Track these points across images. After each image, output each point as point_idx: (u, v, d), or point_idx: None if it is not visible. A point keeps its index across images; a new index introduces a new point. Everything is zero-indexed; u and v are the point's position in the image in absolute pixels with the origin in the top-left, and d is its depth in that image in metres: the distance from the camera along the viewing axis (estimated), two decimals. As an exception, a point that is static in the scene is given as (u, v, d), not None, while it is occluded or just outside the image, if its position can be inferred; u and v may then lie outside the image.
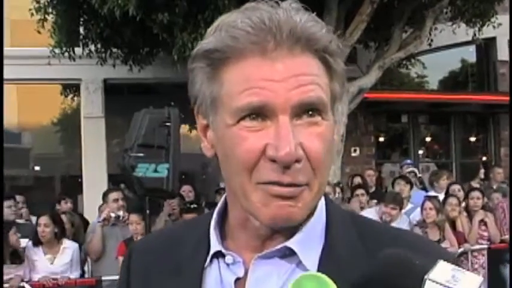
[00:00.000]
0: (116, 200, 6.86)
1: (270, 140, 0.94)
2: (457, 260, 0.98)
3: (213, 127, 1.04)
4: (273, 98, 0.94)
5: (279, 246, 1.01)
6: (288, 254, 1.02)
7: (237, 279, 1.03)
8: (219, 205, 1.13)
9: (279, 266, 1.02)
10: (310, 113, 0.96)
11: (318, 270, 0.98)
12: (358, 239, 1.06)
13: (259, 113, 0.95)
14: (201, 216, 1.20)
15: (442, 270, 0.87)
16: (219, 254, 1.06)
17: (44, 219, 6.34)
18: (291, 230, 1.01)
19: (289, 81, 0.95)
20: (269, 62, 0.95)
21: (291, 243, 1.01)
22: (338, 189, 8.50)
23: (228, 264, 1.05)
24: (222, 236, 1.09)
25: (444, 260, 0.89)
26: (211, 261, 1.07)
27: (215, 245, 1.06)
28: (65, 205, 8.43)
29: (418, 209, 7.26)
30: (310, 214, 1.03)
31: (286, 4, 0.98)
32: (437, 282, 0.85)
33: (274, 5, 0.98)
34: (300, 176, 0.95)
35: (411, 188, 8.03)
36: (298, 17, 0.97)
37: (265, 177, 0.95)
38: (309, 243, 1.02)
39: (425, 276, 0.86)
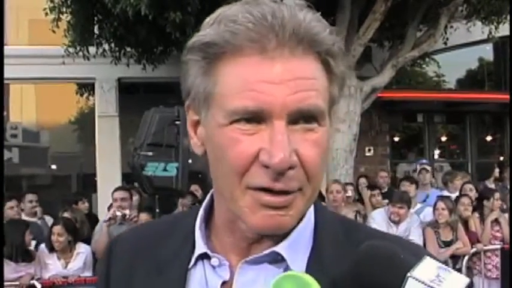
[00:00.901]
0: (121, 199, 6.72)
1: (264, 144, 0.90)
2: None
3: (204, 124, 0.99)
4: (270, 103, 0.89)
5: (267, 251, 0.98)
6: (276, 259, 0.99)
7: (223, 283, 1.00)
8: (206, 202, 1.09)
9: (267, 271, 0.98)
10: (307, 119, 0.92)
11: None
12: (346, 241, 1.02)
13: (254, 116, 0.90)
14: (189, 211, 1.16)
15: (427, 268, 0.82)
16: (204, 255, 1.03)
17: (57, 229, 6.21)
18: (279, 234, 0.98)
19: (289, 84, 0.90)
20: (268, 62, 0.90)
21: (280, 248, 0.98)
22: (351, 188, 8.45)
23: (213, 267, 1.02)
24: (207, 235, 1.06)
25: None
26: (195, 262, 1.04)
27: (200, 246, 1.03)
28: (82, 205, 8.41)
29: (428, 208, 7.20)
30: (300, 218, 1.00)
31: (290, 0, 0.94)
32: (420, 281, 0.80)
33: (277, 0, 0.93)
34: (293, 182, 0.91)
35: (417, 188, 7.99)
36: (302, 15, 0.91)
37: (256, 182, 0.91)
38: (297, 248, 0.99)
39: (408, 274, 0.81)
